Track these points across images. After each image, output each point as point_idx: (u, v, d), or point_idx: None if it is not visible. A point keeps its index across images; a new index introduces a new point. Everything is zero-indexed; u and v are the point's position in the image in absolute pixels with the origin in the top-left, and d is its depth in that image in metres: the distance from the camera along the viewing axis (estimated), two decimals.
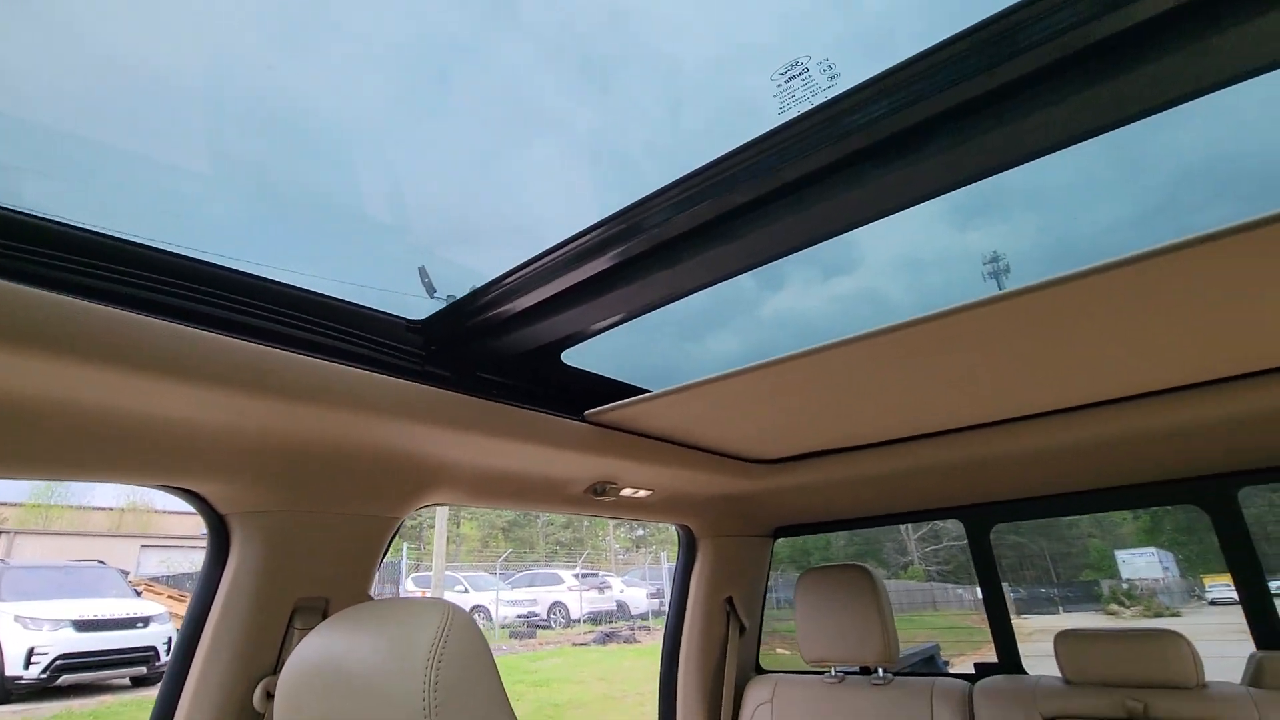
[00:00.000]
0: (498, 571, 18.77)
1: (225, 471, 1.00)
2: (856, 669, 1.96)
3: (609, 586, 18.06)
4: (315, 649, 0.77)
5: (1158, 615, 16.66)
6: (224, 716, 1.01)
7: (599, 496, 1.59)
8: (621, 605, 17.38)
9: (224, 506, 1.07)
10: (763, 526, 2.23)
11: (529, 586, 17.02)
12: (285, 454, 1.01)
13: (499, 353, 1.09)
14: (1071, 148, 0.70)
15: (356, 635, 0.75)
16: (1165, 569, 20.02)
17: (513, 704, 0.73)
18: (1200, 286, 0.82)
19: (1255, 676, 1.47)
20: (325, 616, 1.11)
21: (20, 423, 0.78)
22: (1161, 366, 1.14)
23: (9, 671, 8.62)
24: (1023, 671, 1.79)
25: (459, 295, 1.05)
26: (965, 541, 1.98)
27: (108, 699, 9.01)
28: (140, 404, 0.80)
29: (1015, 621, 1.92)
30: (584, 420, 1.25)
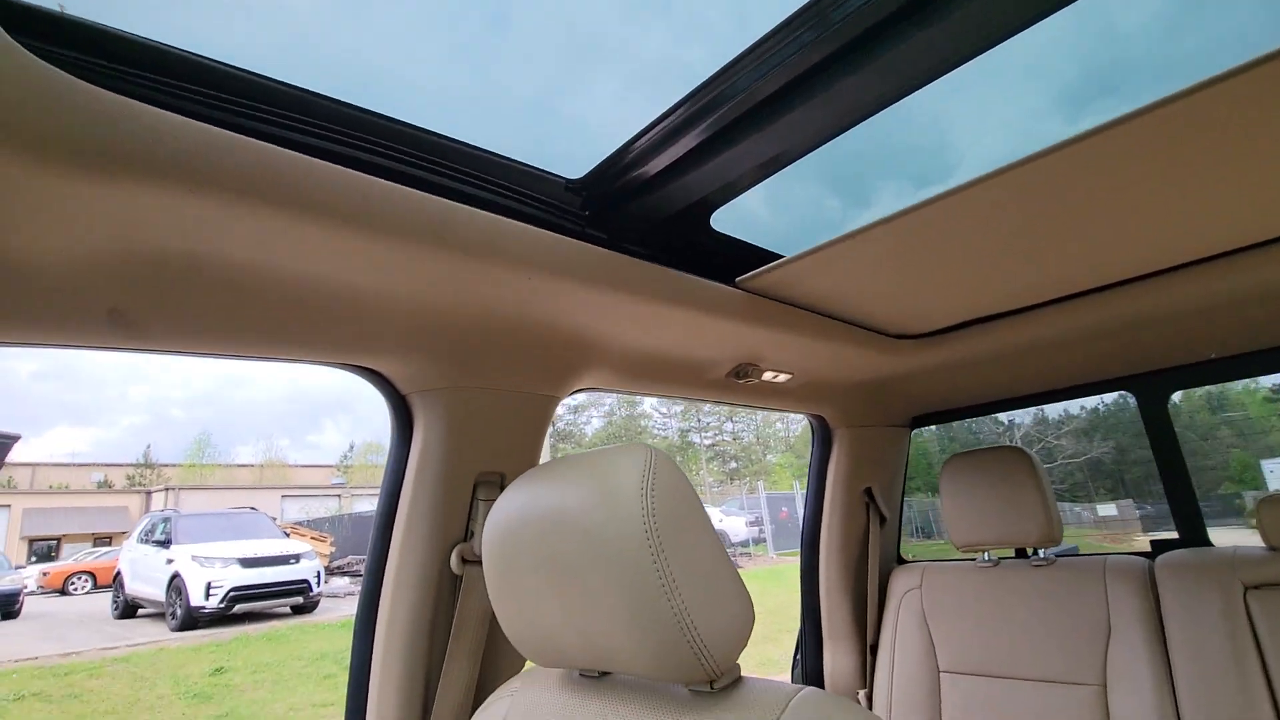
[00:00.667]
0: None
1: (406, 348, 1.04)
2: (1011, 554, 1.88)
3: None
4: (521, 499, 0.78)
5: None
6: (426, 579, 1.08)
7: (740, 380, 1.56)
8: (722, 534, 17.68)
9: (404, 386, 1.12)
10: (900, 415, 2.14)
11: None
12: (459, 326, 1.03)
13: (650, 216, 1.06)
14: None
15: (565, 480, 0.75)
16: None
17: None
18: None
19: None
20: (503, 489, 1.16)
21: (230, 296, 0.83)
22: None
23: (193, 602, 9.96)
24: (1209, 545, 1.66)
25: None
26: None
27: (276, 624, 10.24)
28: (333, 269, 0.82)
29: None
30: (734, 286, 1.21)
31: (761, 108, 0.84)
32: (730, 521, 18.34)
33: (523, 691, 0.86)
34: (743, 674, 0.73)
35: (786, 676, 2.09)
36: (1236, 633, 1.40)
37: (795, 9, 0.73)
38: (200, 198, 0.65)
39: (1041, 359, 1.74)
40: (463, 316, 1.01)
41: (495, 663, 1.12)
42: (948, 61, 0.76)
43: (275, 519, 14.45)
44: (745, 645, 0.72)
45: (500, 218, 0.87)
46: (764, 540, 17.33)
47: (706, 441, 37.37)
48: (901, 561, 2.16)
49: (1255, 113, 0.74)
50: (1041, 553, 1.77)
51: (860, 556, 2.05)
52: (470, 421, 1.12)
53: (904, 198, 0.96)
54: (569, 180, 0.99)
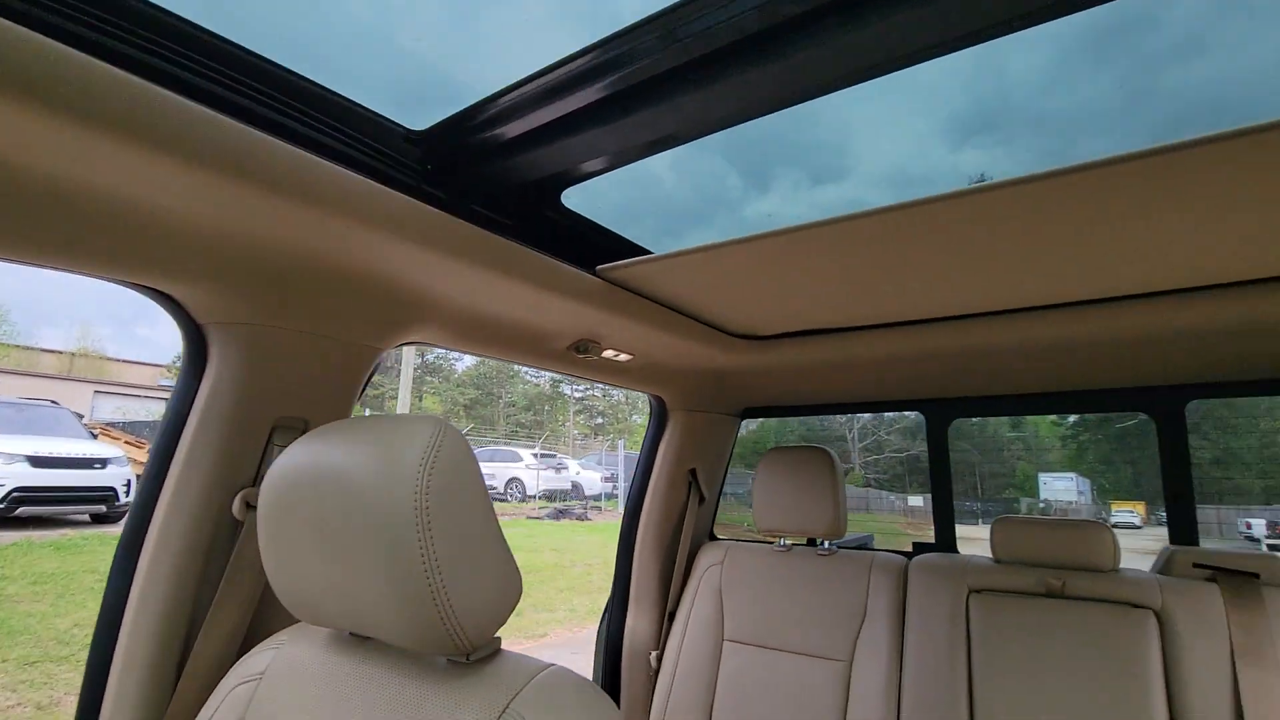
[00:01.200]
0: None
1: (203, 275, 0.95)
2: (803, 542, 2.10)
3: (565, 467, 18.76)
4: (307, 454, 0.76)
5: None
6: (202, 523, 1.02)
7: (581, 354, 1.58)
8: (576, 486, 18.15)
9: (201, 315, 1.03)
10: (733, 405, 2.29)
11: (489, 461, 17.55)
12: (268, 261, 0.96)
13: (498, 181, 1.03)
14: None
15: (351, 442, 0.74)
16: (1080, 493, 21.76)
17: None
18: (1176, 193, 0.83)
19: (1165, 566, 1.62)
20: None
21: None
22: (1121, 274, 1.17)
23: None
24: (956, 551, 1.95)
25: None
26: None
27: (69, 532, 9.20)
28: (111, 180, 0.73)
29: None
30: (580, 269, 1.22)
31: (657, 82, 0.81)
32: (587, 474, 18.77)
33: (289, 646, 0.85)
34: (503, 648, 0.77)
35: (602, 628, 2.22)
36: (954, 629, 1.67)
37: None
38: None
39: (857, 373, 1.94)
40: (272, 252, 0.94)
41: (269, 615, 1.09)
42: (857, 74, 0.77)
43: (82, 417, 12.82)
44: (505, 620, 0.76)
45: (316, 158, 0.81)
46: (616, 496, 17.93)
47: (577, 394, 37.67)
48: (714, 539, 2.34)
49: (1057, 209, 0.89)
50: (826, 544, 1.99)
51: (676, 530, 2.19)
52: (274, 362, 1.06)
53: (800, 189, 1.04)
54: (410, 130, 0.95)
